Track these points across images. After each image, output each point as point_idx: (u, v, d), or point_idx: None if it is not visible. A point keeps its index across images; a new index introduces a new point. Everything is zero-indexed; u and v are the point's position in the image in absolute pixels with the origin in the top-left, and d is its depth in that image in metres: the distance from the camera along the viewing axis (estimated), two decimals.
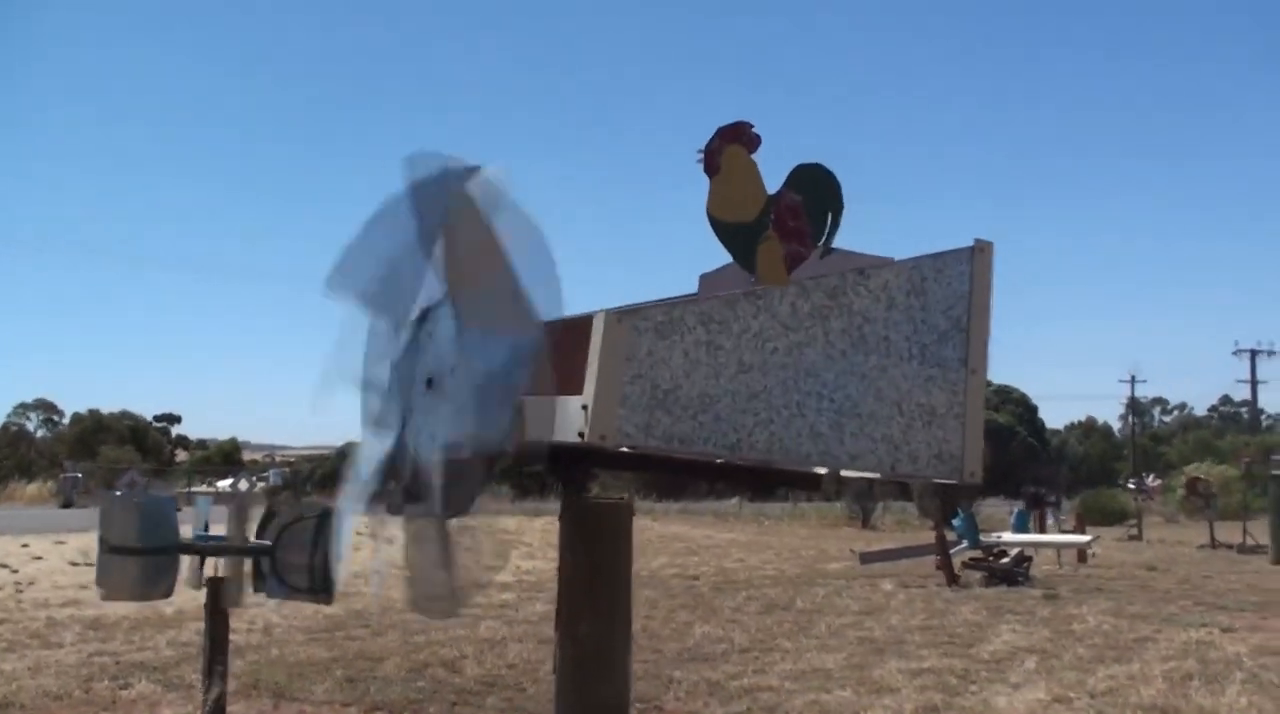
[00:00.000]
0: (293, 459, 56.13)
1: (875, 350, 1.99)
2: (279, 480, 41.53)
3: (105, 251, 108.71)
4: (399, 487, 1.95)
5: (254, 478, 43.25)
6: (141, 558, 6.51)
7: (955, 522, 17.20)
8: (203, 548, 6.79)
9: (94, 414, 59.03)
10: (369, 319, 2.05)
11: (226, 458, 55.18)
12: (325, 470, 47.32)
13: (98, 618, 11.04)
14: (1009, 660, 8.96)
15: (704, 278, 2.18)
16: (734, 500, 46.66)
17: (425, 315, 1.96)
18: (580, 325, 1.85)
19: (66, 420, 59.65)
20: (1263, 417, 72.48)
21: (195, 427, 64.65)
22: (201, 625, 10.06)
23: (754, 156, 2.11)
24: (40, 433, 59.38)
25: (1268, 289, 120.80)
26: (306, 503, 8.57)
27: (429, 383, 1.93)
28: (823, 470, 2.09)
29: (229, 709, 6.69)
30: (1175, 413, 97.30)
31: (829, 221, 2.17)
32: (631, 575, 2.05)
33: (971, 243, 2.09)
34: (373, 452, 2.03)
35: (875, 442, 1.98)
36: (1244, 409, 76.96)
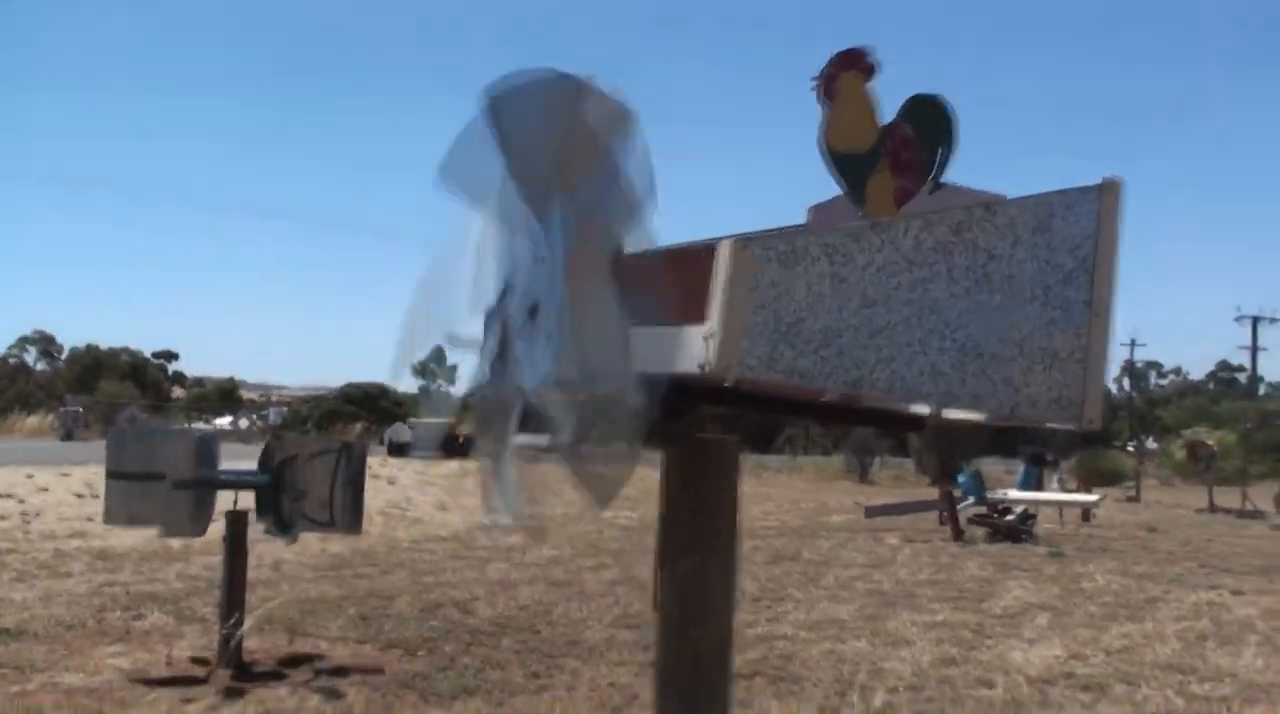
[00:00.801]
0: (289, 399, 56.14)
1: (999, 289, 1.92)
2: (278, 420, 41.58)
3: (107, 183, 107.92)
4: (503, 421, 1.87)
5: (253, 416, 43.30)
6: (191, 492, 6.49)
7: (960, 478, 17.20)
8: (223, 482, 6.77)
9: (92, 349, 58.98)
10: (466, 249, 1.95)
11: (224, 396, 55.13)
12: (323, 410, 47.33)
13: (105, 549, 11.03)
14: (1021, 616, 8.97)
15: (813, 209, 2.10)
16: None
17: (522, 247, 1.88)
18: (698, 254, 1.78)
19: (65, 354, 59.64)
20: (1261, 383, 72.51)
21: (193, 364, 64.50)
22: (209, 560, 10.08)
23: (871, 84, 2.04)
24: (39, 366, 59.33)
25: (1270, 257, 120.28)
26: (322, 437, 8.53)
27: (531, 312, 1.86)
28: (924, 411, 2.03)
29: (245, 644, 6.69)
30: (1171, 377, 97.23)
31: (939, 156, 2.09)
32: (738, 515, 1.99)
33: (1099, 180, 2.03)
34: (486, 392, 1.96)
35: (996, 384, 1.92)
36: (1241, 375, 77.03)
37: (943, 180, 2.08)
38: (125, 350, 59.83)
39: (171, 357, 63.75)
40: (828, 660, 7.11)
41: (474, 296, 1.93)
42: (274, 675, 6.40)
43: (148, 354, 61.53)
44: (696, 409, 1.91)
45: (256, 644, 6.90)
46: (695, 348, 1.71)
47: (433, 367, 59.88)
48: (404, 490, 20.12)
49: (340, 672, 6.55)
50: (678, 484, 1.95)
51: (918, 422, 2.05)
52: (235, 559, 6.66)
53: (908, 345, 1.83)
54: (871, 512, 16.88)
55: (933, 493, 18.55)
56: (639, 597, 9.36)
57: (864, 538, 14.85)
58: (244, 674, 6.34)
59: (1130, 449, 33.88)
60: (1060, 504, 18.88)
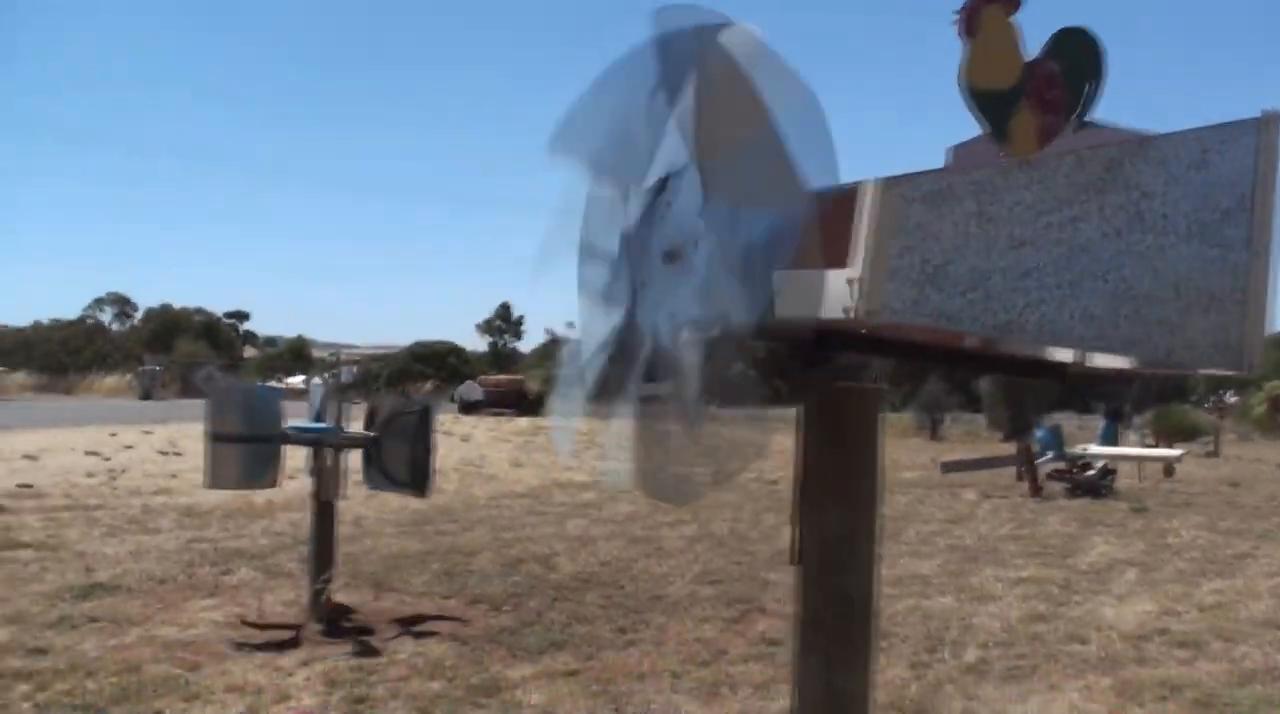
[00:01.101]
0: (358, 357, 56.71)
1: (1153, 228, 1.83)
2: (350, 378, 42.01)
3: (178, 147, 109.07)
4: (630, 370, 1.82)
5: (325, 375, 43.84)
6: (247, 446, 6.57)
7: (1039, 433, 16.94)
8: (307, 439, 6.82)
9: (166, 309, 59.94)
10: (595, 184, 1.90)
11: (296, 355, 55.81)
12: (394, 369, 47.80)
13: (191, 506, 11.21)
14: (1108, 572, 8.82)
15: (954, 150, 2.02)
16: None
17: (664, 182, 1.82)
18: (838, 197, 1.71)
19: (140, 315, 60.69)
20: None
21: (264, 324, 65.24)
22: (292, 516, 10.20)
23: (1015, 18, 1.95)
24: (115, 326, 60.37)
25: None
26: (408, 399, 8.60)
27: (667, 256, 1.80)
28: (1069, 357, 1.95)
29: (333, 598, 6.76)
30: None
31: (1086, 92, 2.00)
32: (880, 466, 1.93)
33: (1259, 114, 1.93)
34: (597, 329, 1.90)
35: (1151, 327, 1.83)
36: None
37: (1088, 118, 1.99)
38: (198, 310, 60.74)
39: (243, 316, 64.63)
40: (914, 616, 7.04)
41: (614, 213, 1.87)
42: (363, 629, 6.46)
43: (220, 314, 62.40)
44: (835, 357, 1.85)
45: (344, 599, 6.98)
46: (839, 292, 1.65)
47: (499, 323, 60.18)
48: (478, 448, 20.26)
49: (428, 626, 6.60)
50: (819, 434, 1.89)
51: (1061, 369, 1.97)
52: (324, 516, 6.73)
53: (1058, 287, 1.76)
54: (949, 466, 16.69)
55: (1008, 448, 18.29)
56: (718, 553, 9.36)
57: (940, 493, 14.70)
58: (334, 628, 6.41)
59: (1209, 404, 33.17)
60: (1141, 459, 18.53)
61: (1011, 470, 16.09)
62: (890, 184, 1.66)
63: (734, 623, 6.84)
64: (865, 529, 1.89)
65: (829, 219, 1.69)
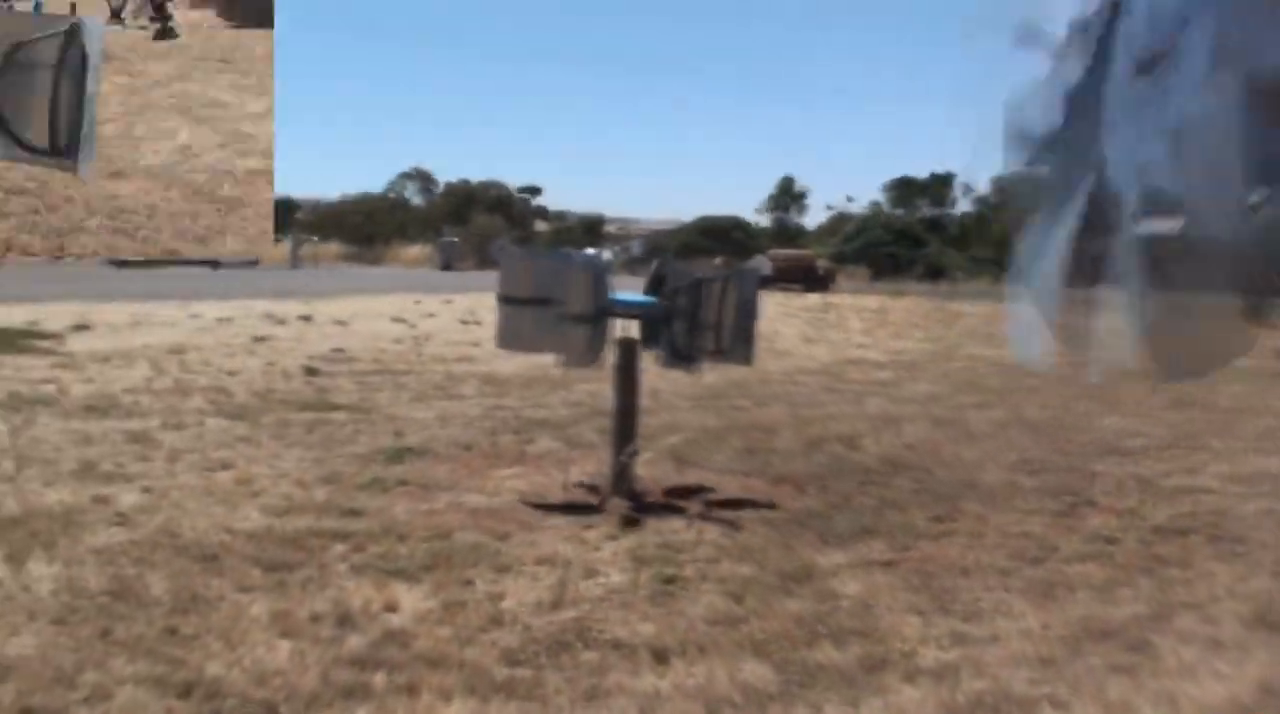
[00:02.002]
0: (645, 232, 57.20)
1: None
2: (640, 251, 42.40)
3: (481, 37, 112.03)
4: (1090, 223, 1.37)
5: (616, 248, 44.43)
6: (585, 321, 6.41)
7: None
8: (632, 312, 6.64)
9: (464, 184, 61.87)
10: None
11: (588, 229, 56.76)
12: (681, 241, 48.03)
13: (491, 374, 11.38)
14: None
15: None
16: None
17: None
18: None
19: (440, 189, 62.91)
20: None
21: (555, 199, 66.47)
22: (590, 387, 10.17)
23: None
24: (416, 200, 62.84)
25: None
26: (709, 265, 8.31)
27: (1141, 66, 1.34)
28: None
29: (635, 472, 6.60)
30: None
31: None
32: None
33: None
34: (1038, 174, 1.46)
35: None
36: None
37: None
38: (494, 185, 62.39)
39: (535, 191, 65.96)
40: (1269, 519, 6.31)
41: None
42: (667, 507, 6.28)
43: (514, 189, 63.88)
44: None
45: (645, 473, 6.81)
46: None
47: (782, 197, 59.33)
48: (768, 322, 19.95)
49: (732, 505, 6.36)
50: None
51: None
52: (627, 389, 6.55)
53: None
54: None
55: None
56: (1033, 440, 8.75)
57: (1278, 382, 13.41)
58: (637, 503, 6.25)
59: None
60: None
61: None
62: None
63: (1062, 516, 6.31)
64: None
65: None
